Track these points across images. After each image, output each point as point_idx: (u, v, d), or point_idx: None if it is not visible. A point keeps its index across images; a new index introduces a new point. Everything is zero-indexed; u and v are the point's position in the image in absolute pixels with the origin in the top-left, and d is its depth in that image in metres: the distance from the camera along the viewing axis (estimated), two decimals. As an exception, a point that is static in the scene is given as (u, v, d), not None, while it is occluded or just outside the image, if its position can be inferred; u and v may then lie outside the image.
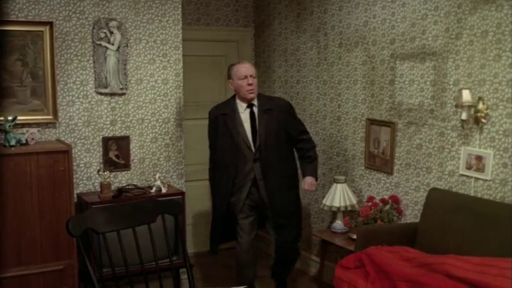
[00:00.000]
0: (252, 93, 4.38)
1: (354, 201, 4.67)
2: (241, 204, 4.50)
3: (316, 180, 4.62)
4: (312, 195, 5.42)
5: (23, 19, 4.29)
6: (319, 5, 5.20)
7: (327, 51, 5.16)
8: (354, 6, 4.78)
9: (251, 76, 4.36)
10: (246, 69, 4.40)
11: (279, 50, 5.83)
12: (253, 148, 4.41)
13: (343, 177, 4.73)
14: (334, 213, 4.81)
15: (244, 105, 4.44)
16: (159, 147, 4.90)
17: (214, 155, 4.59)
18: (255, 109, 4.44)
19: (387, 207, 4.38)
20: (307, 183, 4.56)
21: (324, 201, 4.76)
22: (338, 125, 5.08)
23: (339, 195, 4.63)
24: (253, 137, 4.41)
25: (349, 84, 4.92)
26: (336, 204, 4.62)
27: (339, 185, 4.66)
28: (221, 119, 4.45)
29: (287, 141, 4.51)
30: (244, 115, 4.44)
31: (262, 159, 4.40)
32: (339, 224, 4.69)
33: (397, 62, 4.40)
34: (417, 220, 4.14)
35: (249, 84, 4.34)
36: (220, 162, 4.52)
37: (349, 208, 4.66)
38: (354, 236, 4.26)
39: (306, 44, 5.44)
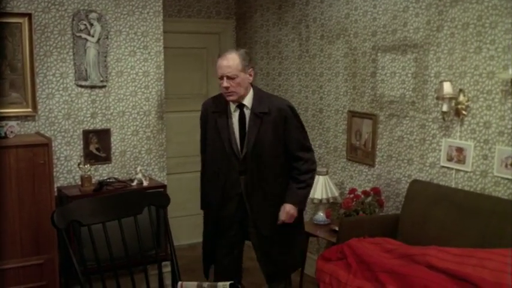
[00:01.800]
0: (229, 96, 3.57)
1: (336, 194, 4.68)
2: (227, 223, 3.74)
3: (301, 210, 3.81)
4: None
5: (2, 10, 4.22)
6: (301, -3, 5.20)
7: (308, 44, 5.16)
8: (336, -1, 4.79)
9: (227, 77, 3.50)
10: (221, 69, 3.54)
11: (261, 42, 5.81)
12: (240, 157, 3.63)
13: (325, 170, 4.74)
14: (316, 206, 4.82)
15: (234, 105, 3.64)
16: (140, 140, 4.87)
17: (204, 157, 3.84)
18: (246, 111, 3.63)
19: (369, 199, 4.40)
20: (285, 212, 3.64)
21: (306, 194, 4.76)
22: (320, 117, 5.09)
23: (321, 188, 4.64)
24: (241, 144, 3.64)
25: (331, 76, 4.93)
26: (318, 196, 4.63)
27: (320, 177, 4.67)
28: (211, 117, 3.71)
29: (285, 153, 3.68)
30: (235, 117, 3.65)
31: (248, 172, 3.63)
32: (321, 216, 4.70)
33: (379, 54, 4.41)
34: (399, 212, 4.17)
35: (225, 87, 3.53)
36: (209, 168, 3.76)
37: (331, 200, 4.68)
38: (336, 228, 4.28)
39: (287, 36, 5.43)
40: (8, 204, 3.97)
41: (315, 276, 3.91)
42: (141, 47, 4.80)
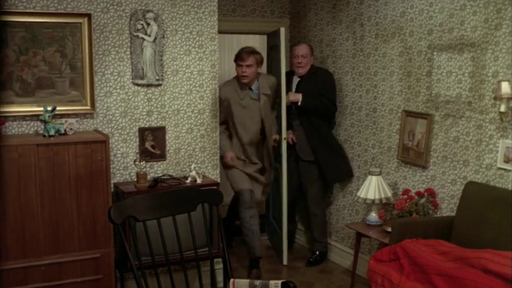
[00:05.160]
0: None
1: (389, 194, 4.64)
2: None
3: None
4: (346, 187, 5.40)
5: (62, 11, 4.35)
6: (356, -5, 5.17)
7: (363, 42, 5.13)
8: (391, -3, 4.74)
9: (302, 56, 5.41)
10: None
11: (315, 41, 5.80)
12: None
13: (378, 170, 4.70)
14: (368, 206, 4.79)
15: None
16: (195, 138, 4.94)
17: None
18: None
19: (423, 200, 4.34)
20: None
21: (358, 194, 4.74)
22: (374, 116, 5.05)
23: (374, 188, 4.61)
24: None
25: (385, 75, 4.88)
26: (371, 196, 4.60)
27: (374, 177, 4.64)
28: None
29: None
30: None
31: None
32: (373, 217, 4.67)
33: (435, 53, 4.34)
34: (453, 214, 4.10)
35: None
36: None
37: (383, 201, 4.64)
38: (389, 229, 4.24)
39: (341, 35, 5.41)
40: (67, 199, 4.09)
41: (367, 276, 3.89)
42: (196, 46, 4.86)
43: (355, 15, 5.19)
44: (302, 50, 5.38)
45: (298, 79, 5.45)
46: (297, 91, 5.40)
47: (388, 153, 4.90)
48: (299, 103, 5.30)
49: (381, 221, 4.62)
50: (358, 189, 4.83)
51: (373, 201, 4.62)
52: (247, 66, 5.03)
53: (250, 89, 5.17)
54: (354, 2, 5.20)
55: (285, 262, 5.46)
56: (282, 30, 5.25)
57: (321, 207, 5.56)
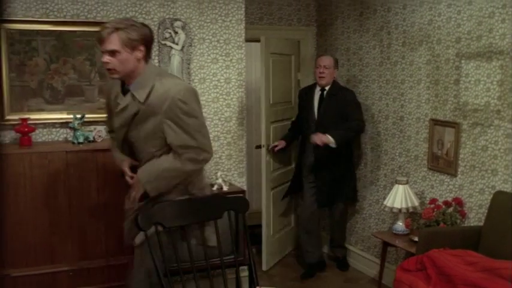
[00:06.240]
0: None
1: (416, 203, 4.60)
2: None
3: None
4: (373, 196, 5.37)
5: (92, 20, 4.42)
6: (383, 3, 5.15)
7: (390, 50, 5.11)
8: (419, 5, 4.71)
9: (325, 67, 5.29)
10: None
11: (341, 49, 5.80)
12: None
13: (405, 179, 4.67)
14: (395, 215, 4.76)
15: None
16: (221, 146, 4.96)
17: None
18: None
19: (450, 209, 4.30)
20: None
21: (385, 202, 4.71)
22: (401, 125, 5.02)
23: (401, 197, 4.57)
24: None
25: (412, 83, 4.85)
26: (398, 205, 4.57)
27: (400, 186, 4.61)
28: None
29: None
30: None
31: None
32: (400, 226, 4.63)
33: (463, 61, 4.31)
34: (481, 223, 4.05)
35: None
36: None
37: (410, 210, 4.60)
38: (416, 238, 4.21)
39: (368, 43, 5.40)
40: (94, 206, 4.14)
41: (393, 286, 3.86)
42: (223, 54, 4.89)
43: (382, 23, 5.18)
44: (325, 60, 5.30)
45: (320, 92, 5.33)
46: (318, 111, 5.29)
47: (415, 162, 4.86)
48: (333, 145, 5.03)
49: (407, 230, 4.58)
50: (384, 198, 4.79)
51: (399, 210, 4.58)
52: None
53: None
54: (381, 9, 5.19)
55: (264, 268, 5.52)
56: (263, 39, 5.26)
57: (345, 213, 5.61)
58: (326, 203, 5.41)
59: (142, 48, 3.03)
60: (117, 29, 2.95)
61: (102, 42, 2.97)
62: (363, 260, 5.52)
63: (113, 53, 2.96)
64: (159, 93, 3.00)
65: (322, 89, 5.31)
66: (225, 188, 4.65)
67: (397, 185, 4.64)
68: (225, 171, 4.97)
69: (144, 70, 3.06)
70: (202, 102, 4.80)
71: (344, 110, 5.17)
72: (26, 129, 4.16)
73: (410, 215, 4.68)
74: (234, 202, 3.21)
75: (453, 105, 4.42)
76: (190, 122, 3.02)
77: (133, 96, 3.04)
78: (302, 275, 5.39)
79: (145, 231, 2.79)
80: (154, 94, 3.01)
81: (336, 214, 5.55)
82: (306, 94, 5.47)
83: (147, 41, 3.07)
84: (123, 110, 3.09)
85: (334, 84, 5.33)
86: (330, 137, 4.98)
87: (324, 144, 5.00)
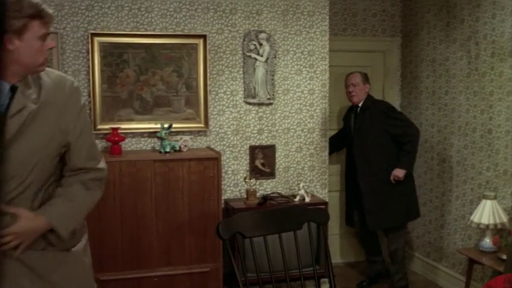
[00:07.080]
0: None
1: (505, 219, 4.44)
2: None
3: None
4: (458, 211, 5.23)
5: (180, 32, 4.56)
6: (471, 13, 5.02)
7: (478, 61, 4.97)
8: (509, 14, 4.56)
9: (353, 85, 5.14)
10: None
11: (427, 60, 5.69)
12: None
13: (493, 193, 4.52)
14: (482, 231, 4.61)
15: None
16: (304, 157, 4.98)
17: None
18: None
19: (541, 227, 4.13)
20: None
21: (471, 218, 4.57)
22: (489, 138, 4.87)
23: (488, 212, 4.43)
24: None
25: (501, 95, 4.70)
26: (485, 221, 4.42)
27: (488, 201, 4.46)
28: None
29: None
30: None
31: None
32: (487, 243, 4.48)
33: (556, 73, 4.14)
34: None
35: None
36: None
37: (498, 226, 4.44)
38: (504, 257, 4.06)
39: (455, 53, 5.27)
40: (179, 213, 4.26)
41: (479, 304, 3.75)
42: (307, 65, 4.92)
43: (470, 33, 5.05)
44: (352, 78, 5.12)
45: (355, 109, 5.19)
46: (355, 126, 5.13)
47: (504, 176, 4.70)
48: (405, 173, 4.97)
49: (495, 248, 4.42)
50: (471, 213, 4.66)
51: (487, 226, 4.43)
52: None
53: None
54: (468, 19, 5.06)
55: None
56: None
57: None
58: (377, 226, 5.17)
59: None
60: None
61: None
62: (448, 277, 5.37)
63: None
64: None
65: (357, 106, 5.17)
66: (307, 199, 4.66)
67: (484, 200, 4.50)
68: (307, 182, 4.98)
69: None
70: (285, 114, 4.87)
71: (380, 124, 5.01)
72: (117, 139, 4.33)
73: (498, 231, 4.52)
74: (314, 213, 3.21)
75: (545, 119, 4.25)
76: None
77: None
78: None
79: (226, 240, 2.84)
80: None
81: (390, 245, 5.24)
82: (347, 113, 5.41)
83: None
84: None
85: (368, 98, 5.17)
86: (399, 170, 4.93)
87: (398, 179, 4.94)
